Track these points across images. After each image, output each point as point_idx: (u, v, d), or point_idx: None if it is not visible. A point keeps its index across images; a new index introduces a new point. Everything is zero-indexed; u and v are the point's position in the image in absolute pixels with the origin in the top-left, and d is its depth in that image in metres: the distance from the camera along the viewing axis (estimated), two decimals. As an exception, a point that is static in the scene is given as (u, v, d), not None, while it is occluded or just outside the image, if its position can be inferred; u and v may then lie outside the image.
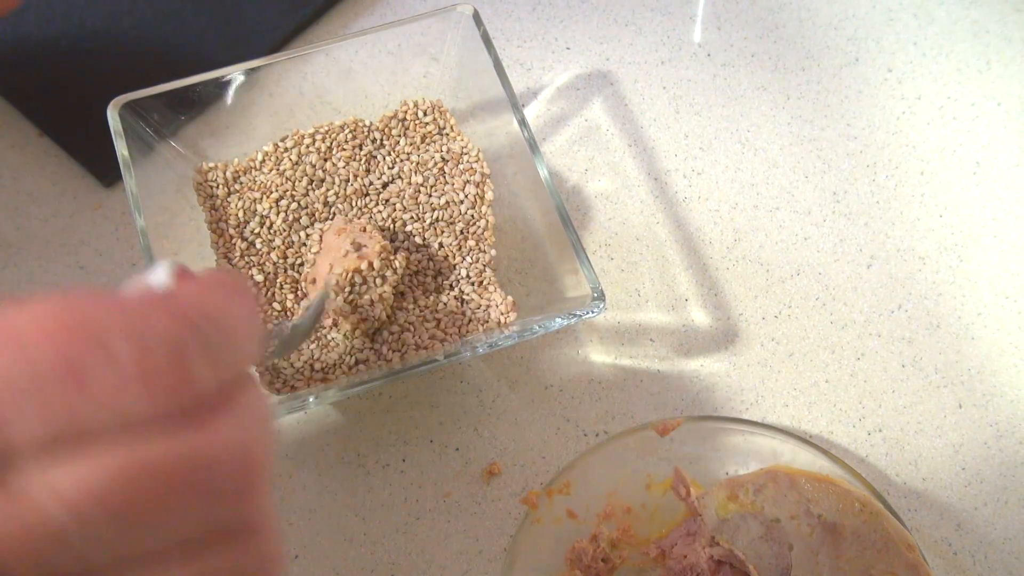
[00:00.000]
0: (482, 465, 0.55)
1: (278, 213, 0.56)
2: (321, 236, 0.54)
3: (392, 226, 0.56)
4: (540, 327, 0.51)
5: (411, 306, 0.54)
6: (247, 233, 0.55)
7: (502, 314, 0.54)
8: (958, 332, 0.59)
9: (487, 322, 0.54)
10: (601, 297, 0.50)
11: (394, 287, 0.53)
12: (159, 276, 0.28)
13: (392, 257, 0.52)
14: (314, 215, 0.56)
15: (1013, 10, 0.71)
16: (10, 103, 0.64)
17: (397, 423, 0.56)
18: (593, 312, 0.50)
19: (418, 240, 0.56)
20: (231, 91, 0.59)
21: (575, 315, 0.51)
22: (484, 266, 0.56)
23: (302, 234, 0.56)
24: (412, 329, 0.54)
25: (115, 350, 0.22)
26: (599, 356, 0.58)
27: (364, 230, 0.53)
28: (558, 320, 0.51)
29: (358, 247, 0.51)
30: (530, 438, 0.56)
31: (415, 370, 0.50)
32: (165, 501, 0.23)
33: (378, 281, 0.51)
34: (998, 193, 0.64)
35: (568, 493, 0.52)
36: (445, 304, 0.55)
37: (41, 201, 0.61)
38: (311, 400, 0.49)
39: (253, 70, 0.56)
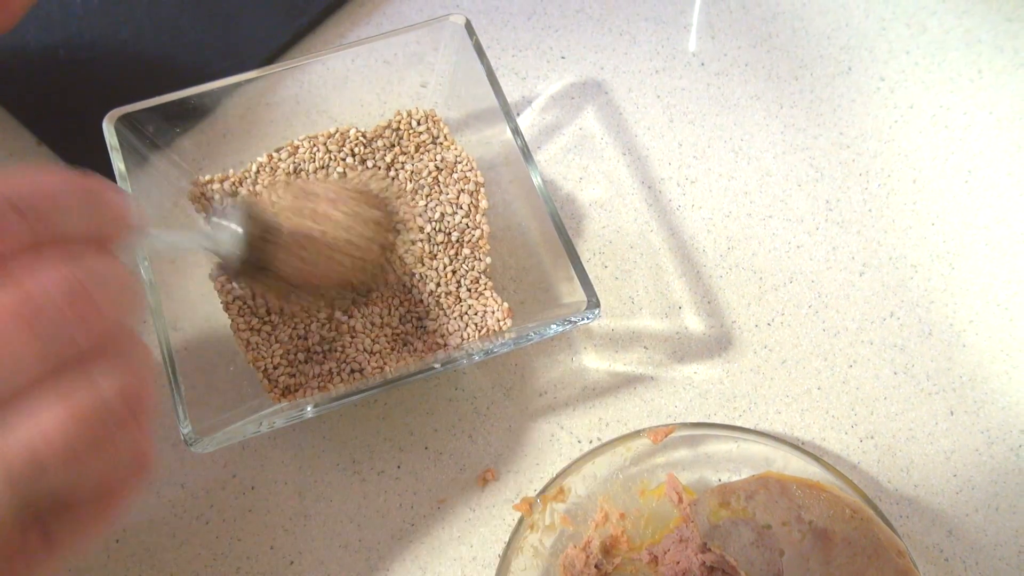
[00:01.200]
0: (476, 472, 0.56)
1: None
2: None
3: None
4: (536, 334, 0.51)
5: (410, 314, 0.55)
6: None
7: (499, 320, 0.55)
8: (950, 339, 0.60)
9: (484, 328, 0.55)
10: (596, 303, 0.51)
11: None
12: None
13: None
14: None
15: (1005, 20, 0.71)
16: (9, 112, 0.64)
17: (392, 430, 0.57)
18: (588, 318, 0.51)
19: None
20: (227, 102, 0.59)
21: (570, 321, 0.51)
22: (480, 273, 0.56)
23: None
24: (410, 338, 0.54)
25: None
26: (593, 363, 0.59)
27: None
28: (553, 327, 0.51)
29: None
30: (524, 445, 0.56)
31: (412, 378, 0.50)
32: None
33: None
34: (990, 201, 0.64)
35: (562, 500, 0.53)
36: (444, 311, 0.55)
37: (39, 210, 0.62)
38: (309, 409, 0.49)
39: (249, 80, 0.57)
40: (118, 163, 0.52)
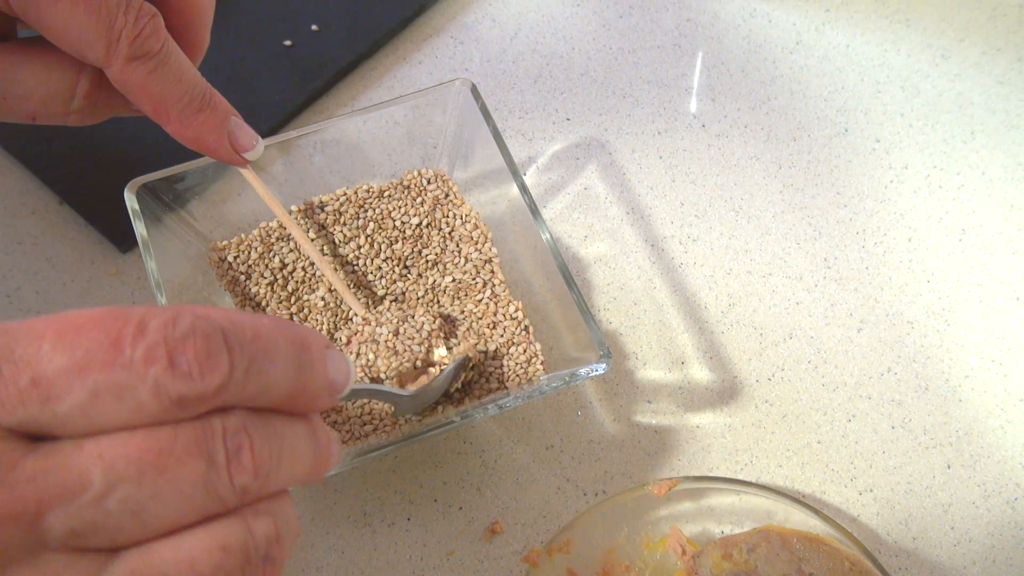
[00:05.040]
0: (485, 524, 0.57)
1: (294, 283, 0.58)
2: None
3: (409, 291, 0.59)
4: (548, 387, 0.52)
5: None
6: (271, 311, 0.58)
7: (541, 364, 0.57)
8: (946, 394, 0.61)
9: (520, 375, 0.56)
10: (607, 354, 0.52)
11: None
12: None
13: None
14: (321, 280, 0.58)
15: (996, 83, 0.74)
16: (32, 172, 0.66)
17: (402, 483, 0.58)
18: (599, 370, 0.52)
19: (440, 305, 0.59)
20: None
21: (581, 374, 0.52)
22: (506, 318, 0.58)
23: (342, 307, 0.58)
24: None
25: (149, 327, 0.26)
26: (598, 417, 0.60)
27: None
28: (565, 379, 0.52)
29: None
30: (531, 497, 0.58)
31: (431, 432, 0.51)
32: (169, 478, 0.27)
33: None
34: (983, 259, 0.66)
35: (568, 551, 0.54)
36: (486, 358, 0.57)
37: (60, 266, 0.63)
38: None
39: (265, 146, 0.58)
40: (140, 229, 0.53)
